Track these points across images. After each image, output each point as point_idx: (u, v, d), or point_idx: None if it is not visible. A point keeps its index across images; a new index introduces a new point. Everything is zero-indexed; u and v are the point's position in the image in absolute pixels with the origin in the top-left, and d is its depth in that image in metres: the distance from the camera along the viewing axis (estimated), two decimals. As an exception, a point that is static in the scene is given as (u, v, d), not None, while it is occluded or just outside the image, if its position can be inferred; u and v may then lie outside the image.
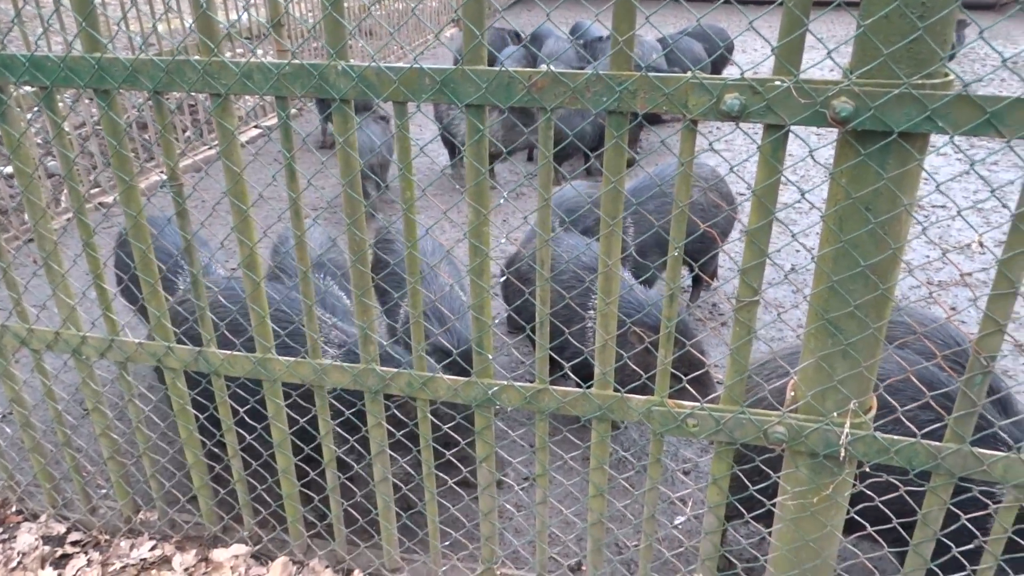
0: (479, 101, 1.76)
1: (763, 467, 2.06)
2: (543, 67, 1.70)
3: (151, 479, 2.66)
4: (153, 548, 2.68)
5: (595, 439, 2.11)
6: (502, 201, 3.88)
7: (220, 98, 1.97)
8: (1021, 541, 1.99)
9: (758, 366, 2.54)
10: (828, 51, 1.55)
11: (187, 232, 2.16)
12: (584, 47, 8.18)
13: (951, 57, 8.44)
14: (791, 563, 2.12)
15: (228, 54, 8.50)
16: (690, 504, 3.05)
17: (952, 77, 1.55)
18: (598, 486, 2.18)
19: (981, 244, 4.21)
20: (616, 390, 2.04)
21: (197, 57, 1.91)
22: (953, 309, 4.51)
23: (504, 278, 3.69)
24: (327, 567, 2.57)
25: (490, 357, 2.06)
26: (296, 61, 1.84)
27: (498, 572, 2.45)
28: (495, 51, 8.04)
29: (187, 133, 7.43)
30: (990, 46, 1.50)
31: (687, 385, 2.10)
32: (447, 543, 2.53)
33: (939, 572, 2.08)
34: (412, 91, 1.78)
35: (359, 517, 2.60)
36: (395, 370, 2.14)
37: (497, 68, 1.71)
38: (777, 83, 1.57)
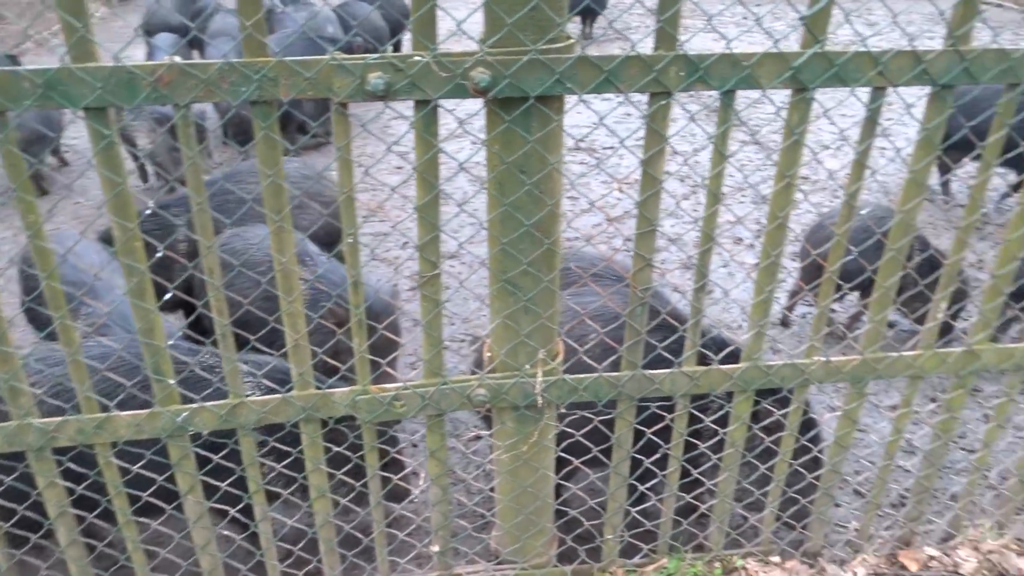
0: (98, 103, 1.54)
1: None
2: (168, 58, 1.53)
3: None
4: None
5: (306, 442, 2.03)
6: (148, 211, 3.53)
7: None
8: (696, 442, 2.28)
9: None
10: (458, 23, 1.57)
11: None
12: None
13: (603, 8, 9.20)
14: (515, 511, 2.24)
15: None
16: (423, 476, 3.08)
17: (573, 40, 1.67)
18: (318, 488, 2.10)
19: (620, 189, 4.72)
20: (318, 387, 1.97)
21: None
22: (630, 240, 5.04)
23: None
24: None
25: (172, 382, 1.87)
26: None
27: (229, 602, 2.29)
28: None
29: None
30: (599, 11, 1.63)
31: (387, 369, 2.09)
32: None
33: (639, 485, 2.33)
34: (9, 98, 1.51)
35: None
36: (59, 419, 1.86)
37: (112, 64, 1.51)
38: (417, 58, 1.57)
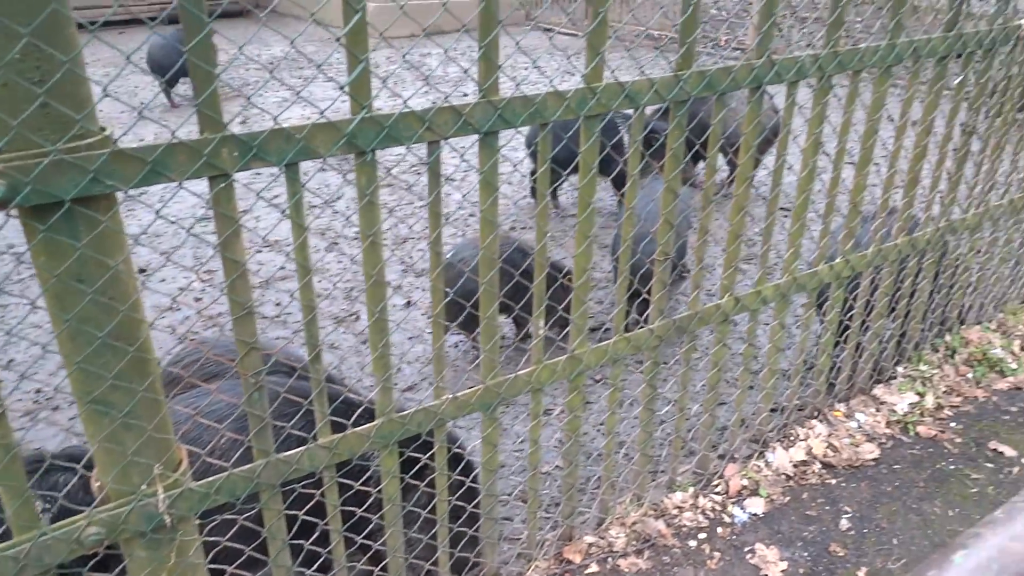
0: None
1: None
2: None
3: None
4: None
5: None
6: None
7: None
8: (353, 509, 2.24)
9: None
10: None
11: None
12: None
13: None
14: (173, 645, 2.00)
15: None
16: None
17: (107, 133, 1.54)
18: None
19: (201, 279, 4.60)
20: None
21: None
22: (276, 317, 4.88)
23: None
24: None
25: None
26: None
27: None
28: None
29: None
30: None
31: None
32: None
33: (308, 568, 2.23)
34: None
35: None
36: None
37: None
38: (-98, 177, 1.32)
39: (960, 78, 3.03)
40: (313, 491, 2.11)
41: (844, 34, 2.52)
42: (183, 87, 9.38)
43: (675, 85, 2.21)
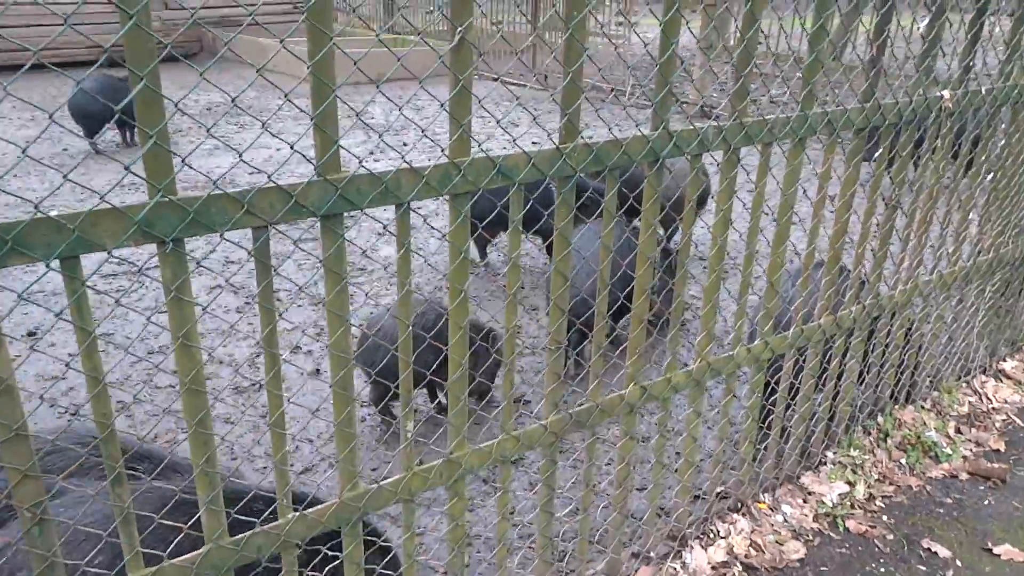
0: None
1: None
2: None
3: None
4: None
5: None
6: None
7: None
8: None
9: None
10: None
11: None
12: None
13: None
14: None
15: None
16: None
17: None
18: None
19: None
20: None
21: None
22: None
23: None
24: None
25: None
26: None
27: None
28: None
29: None
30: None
31: None
32: None
33: None
34: None
35: None
36: None
37: None
38: None
39: (880, 151, 2.86)
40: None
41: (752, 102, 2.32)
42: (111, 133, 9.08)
43: (557, 159, 1.98)
